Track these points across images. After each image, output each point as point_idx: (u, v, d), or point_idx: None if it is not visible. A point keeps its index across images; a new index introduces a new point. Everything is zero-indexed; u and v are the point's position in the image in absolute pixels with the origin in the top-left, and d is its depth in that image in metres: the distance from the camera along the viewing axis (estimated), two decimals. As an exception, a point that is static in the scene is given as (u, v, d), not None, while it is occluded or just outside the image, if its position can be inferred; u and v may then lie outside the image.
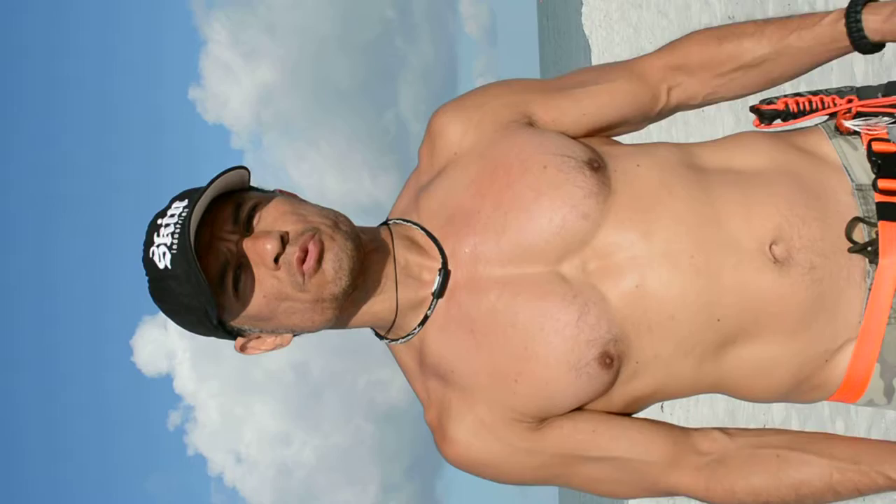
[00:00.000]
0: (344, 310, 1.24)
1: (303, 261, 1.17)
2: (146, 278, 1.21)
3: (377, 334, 1.34)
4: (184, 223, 1.14)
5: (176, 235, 1.14)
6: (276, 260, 1.17)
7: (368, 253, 1.24)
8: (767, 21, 1.30)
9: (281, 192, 1.29)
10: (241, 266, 1.19)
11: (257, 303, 1.20)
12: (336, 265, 1.18)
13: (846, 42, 1.23)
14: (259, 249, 1.17)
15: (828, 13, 1.24)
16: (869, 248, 1.19)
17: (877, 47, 1.22)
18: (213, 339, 1.28)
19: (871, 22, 1.20)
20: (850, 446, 1.23)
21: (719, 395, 1.32)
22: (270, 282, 1.19)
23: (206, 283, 1.13)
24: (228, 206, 1.21)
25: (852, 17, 1.21)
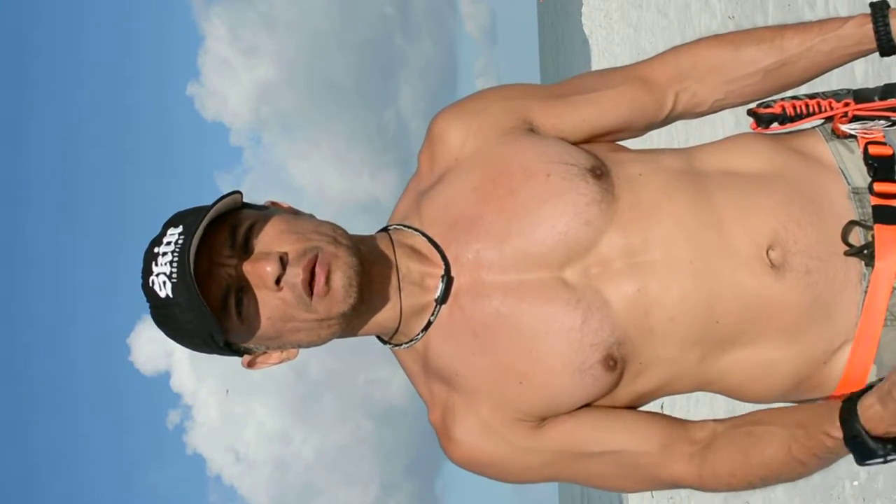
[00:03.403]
0: (349, 322, 1.24)
1: (308, 282, 1.17)
2: (148, 304, 1.20)
3: (381, 339, 1.34)
4: (181, 252, 1.13)
5: (175, 265, 1.13)
6: (278, 282, 1.17)
7: (371, 264, 1.24)
8: (784, 26, 1.31)
9: (273, 203, 1.29)
10: (243, 289, 1.18)
11: (262, 325, 1.20)
12: (346, 283, 1.18)
13: (872, 45, 1.25)
14: (259, 272, 1.17)
15: (847, 18, 1.27)
16: (865, 252, 1.20)
17: None
18: (217, 356, 1.27)
19: None
20: (797, 412, 1.24)
21: (719, 397, 1.33)
22: (274, 303, 1.18)
23: (209, 312, 1.13)
24: (224, 229, 1.20)
25: (880, 20, 1.24)
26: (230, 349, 1.24)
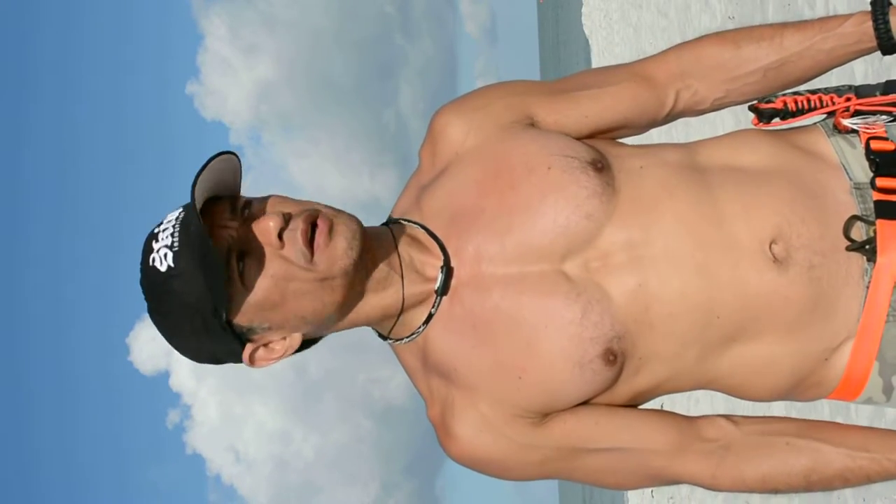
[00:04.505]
0: (351, 298, 1.23)
1: (307, 234, 1.17)
2: (144, 297, 1.19)
3: (380, 335, 1.33)
4: (184, 220, 1.13)
5: (176, 234, 1.13)
6: (280, 237, 1.17)
7: (372, 246, 1.24)
8: (784, 25, 1.31)
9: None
10: (244, 252, 1.17)
11: (265, 286, 1.18)
12: (348, 237, 1.18)
13: (872, 43, 1.26)
14: (262, 227, 1.17)
15: (847, 16, 1.27)
16: (867, 247, 1.20)
17: None
18: (217, 366, 1.27)
19: None
20: (859, 435, 1.26)
21: (719, 395, 1.33)
22: (277, 261, 1.17)
23: (214, 259, 1.12)
24: (224, 202, 1.21)
25: (881, 18, 1.24)
26: (231, 330, 1.21)
